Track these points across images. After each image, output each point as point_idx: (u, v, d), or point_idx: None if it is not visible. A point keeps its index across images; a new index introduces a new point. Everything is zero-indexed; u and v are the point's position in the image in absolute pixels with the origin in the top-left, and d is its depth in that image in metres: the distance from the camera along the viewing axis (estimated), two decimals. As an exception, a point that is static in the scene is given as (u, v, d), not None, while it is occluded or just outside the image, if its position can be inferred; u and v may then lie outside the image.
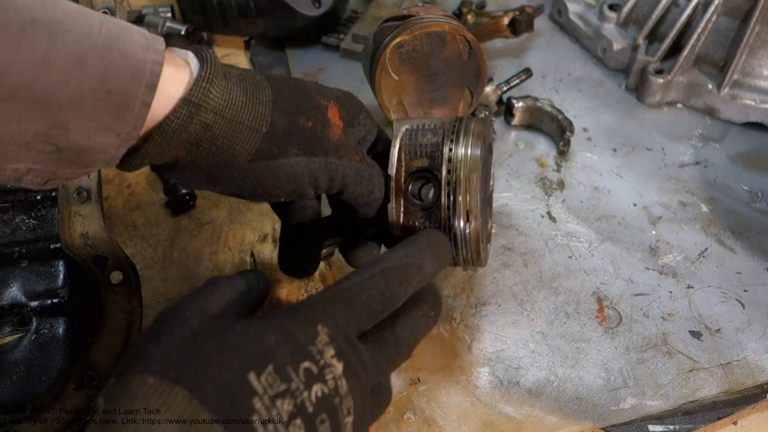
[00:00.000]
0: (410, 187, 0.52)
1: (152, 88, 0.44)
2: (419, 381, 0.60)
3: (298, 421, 0.37)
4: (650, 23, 0.87)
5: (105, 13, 0.71)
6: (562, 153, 0.80)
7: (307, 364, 0.39)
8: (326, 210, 0.57)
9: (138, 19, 0.93)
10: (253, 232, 0.72)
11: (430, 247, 0.47)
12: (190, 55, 0.46)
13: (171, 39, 0.90)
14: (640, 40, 0.88)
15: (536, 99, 0.83)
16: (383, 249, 0.58)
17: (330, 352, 0.40)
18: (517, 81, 0.85)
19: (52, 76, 0.41)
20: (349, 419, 0.40)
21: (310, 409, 0.38)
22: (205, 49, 0.47)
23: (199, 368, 0.36)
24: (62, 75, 0.41)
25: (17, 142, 0.42)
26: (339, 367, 0.40)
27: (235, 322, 0.40)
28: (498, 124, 0.84)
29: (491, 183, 0.59)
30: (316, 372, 0.39)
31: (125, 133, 0.44)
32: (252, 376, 0.37)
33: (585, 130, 0.84)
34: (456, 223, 0.50)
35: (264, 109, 0.47)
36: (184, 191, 0.73)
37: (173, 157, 0.47)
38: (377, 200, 0.53)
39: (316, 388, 0.39)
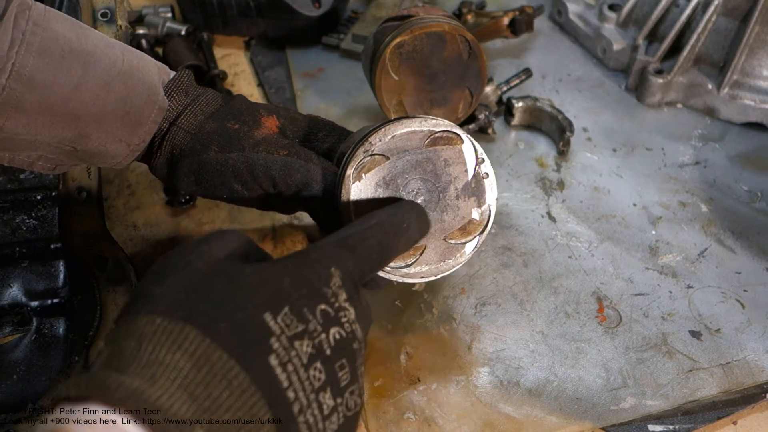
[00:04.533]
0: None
1: (162, 110, 0.54)
2: (419, 381, 0.60)
3: (318, 364, 0.36)
4: (650, 23, 0.87)
5: (105, 13, 0.72)
6: (562, 153, 0.80)
7: (323, 306, 0.38)
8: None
9: (138, 19, 0.93)
10: (253, 232, 0.72)
11: (414, 212, 0.49)
12: (171, 74, 0.57)
13: (171, 39, 0.90)
14: (640, 40, 0.88)
15: (536, 99, 0.83)
16: None
17: (343, 296, 0.39)
18: (517, 81, 0.85)
19: (83, 97, 0.50)
20: (362, 369, 0.39)
21: (329, 352, 0.37)
22: (185, 70, 0.57)
23: (210, 308, 0.35)
24: (91, 97, 0.50)
25: (43, 143, 0.51)
26: (352, 311, 0.39)
27: (245, 265, 0.39)
28: (498, 124, 0.84)
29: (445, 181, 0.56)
30: (333, 314, 0.38)
31: (135, 144, 0.54)
32: (268, 317, 0.35)
33: (585, 130, 0.84)
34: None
35: (201, 117, 0.55)
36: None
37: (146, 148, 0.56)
38: (316, 195, 0.55)
39: (334, 331, 0.37)
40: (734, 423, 0.59)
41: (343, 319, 0.38)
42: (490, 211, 0.55)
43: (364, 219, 0.45)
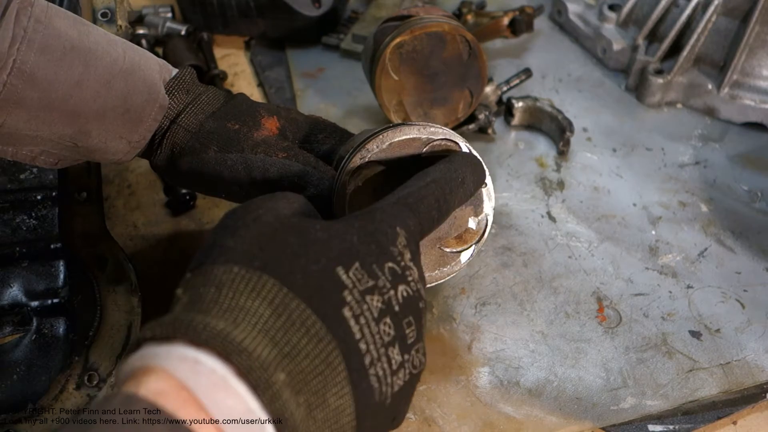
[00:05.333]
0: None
1: (163, 108, 0.54)
2: (419, 381, 0.60)
3: (388, 319, 0.37)
4: (650, 23, 0.87)
5: (105, 13, 0.72)
6: (562, 153, 0.81)
7: (390, 264, 0.38)
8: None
9: (138, 19, 0.93)
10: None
11: (468, 165, 0.49)
12: (173, 72, 0.57)
13: (171, 39, 0.90)
14: (640, 41, 0.88)
15: (536, 99, 0.83)
16: None
17: (408, 255, 0.40)
18: (517, 81, 0.85)
19: (84, 94, 0.50)
20: (425, 329, 0.40)
21: (397, 308, 0.38)
22: (188, 68, 0.57)
23: (286, 260, 0.36)
24: (92, 94, 0.50)
25: (45, 138, 0.51)
26: (416, 271, 0.40)
27: (315, 221, 0.39)
28: (498, 124, 0.84)
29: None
30: (400, 273, 0.39)
31: (135, 141, 0.55)
32: (340, 270, 0.36)
33: (585, 130, 0.84)
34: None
35: (202, 116, 0.56)
36: (184, 191, 0.73)
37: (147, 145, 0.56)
38: (314, 199, 0.54)
39: (401, 289, 0.38)
40: (734, 423, 0.59)
41: (410, 278, 0.39)
42: (487, 220, 0.55)
43: (419, 176, 0.45)
